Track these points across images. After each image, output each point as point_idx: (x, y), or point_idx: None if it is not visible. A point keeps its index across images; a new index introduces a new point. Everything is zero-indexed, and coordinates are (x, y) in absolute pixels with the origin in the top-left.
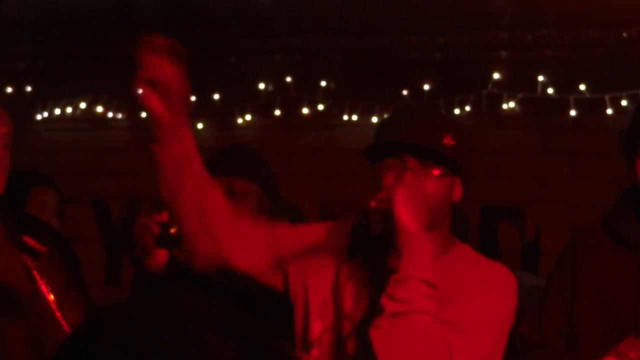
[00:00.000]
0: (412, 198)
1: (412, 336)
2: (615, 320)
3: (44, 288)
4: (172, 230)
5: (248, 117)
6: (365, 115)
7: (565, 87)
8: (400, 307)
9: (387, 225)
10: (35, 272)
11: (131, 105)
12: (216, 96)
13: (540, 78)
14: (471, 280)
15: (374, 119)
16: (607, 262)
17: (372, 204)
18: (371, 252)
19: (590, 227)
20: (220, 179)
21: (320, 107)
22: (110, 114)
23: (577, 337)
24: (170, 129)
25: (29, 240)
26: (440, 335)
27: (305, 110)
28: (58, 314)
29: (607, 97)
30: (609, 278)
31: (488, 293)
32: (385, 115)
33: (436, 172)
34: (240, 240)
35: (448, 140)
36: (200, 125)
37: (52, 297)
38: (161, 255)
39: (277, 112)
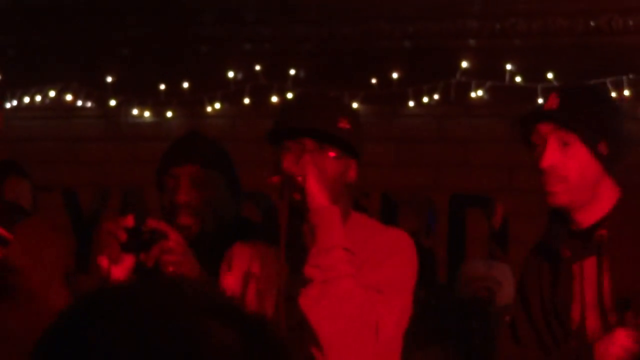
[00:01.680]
0: (319, 175)
1: (340, 299)
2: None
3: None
4: (143, 235)
5: (217, 106)
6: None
7: (534, 75)
8: (326, 275)
9: (291, 204)
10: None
11: (100, 94)
12: (186, 84)
13: (509, 67)
14: (379, 245)
15: (286, 105)
16: (533, 273)
17: (274, 179)
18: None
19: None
20: (184, 167)
21: (290, 95)
22: (79, 102)
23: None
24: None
25: None
26: (365, 297)
27: (274, 99)
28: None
29: None
30: (532, 288)
31: (398, 255)
32: (355, 104)
33: (332, 154)
34: None
35: (343, 124)
36: (169, 114)
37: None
38: (127, 262)
39: (247, 101)
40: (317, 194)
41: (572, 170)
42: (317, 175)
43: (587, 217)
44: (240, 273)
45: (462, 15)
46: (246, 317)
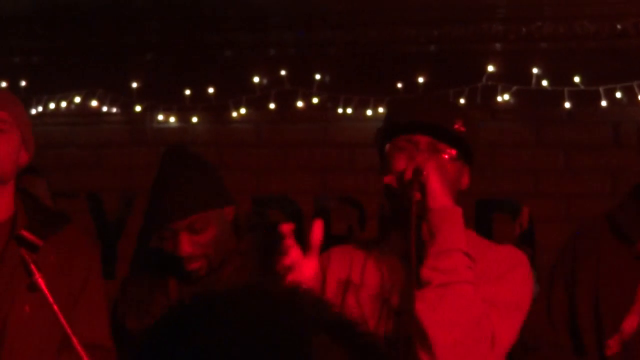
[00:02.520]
0: (441, 174)
1: (459, 306)
2: (611, 308)
3: (41, 281)
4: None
5: (243, 111)
6: (360, 108)
7: (560, 79)
8: (446, 278)
9: (403, 204)
10: (32, 266)
11: (125, 99)
12: (211, 89)
13: (535, 70)
14: (494, 260)
15: (369, 112)
16: (605, 256)
17: (387, 179)
18: (385, 234)
19: (594, 220)
20: (178, 223)
21: (315, 100)
22: (104, 108)
23: (579, 329)
24: None
25: (26, 233)
26: (483, 308)
27: (299, 104)
28: (55, 307)
29: (601, 89)
30: (607, 271)
31: (514, 273)
32: (380, 109)
33: (448, 154)
34: None
35: (459, 126)
36: (195, 119)
37: (54, 291)
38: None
39: (272, 106)
40: (440, 193)
41: None
42: (439, 172)
43: None
44: (336, 280)
45: (487, 19)
46: (355, 334)
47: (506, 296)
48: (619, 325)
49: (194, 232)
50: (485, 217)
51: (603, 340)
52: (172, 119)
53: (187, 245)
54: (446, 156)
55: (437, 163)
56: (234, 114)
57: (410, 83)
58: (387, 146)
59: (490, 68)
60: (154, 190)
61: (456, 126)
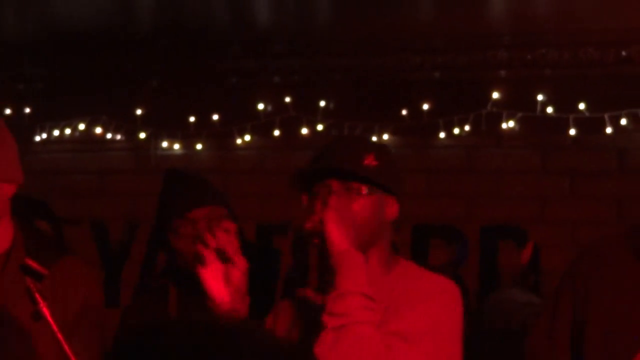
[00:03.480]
0: (340, 219)
1: (354, 347)
2: (625, 336)
3: (45, 310)
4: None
5: (247, 138)
6: (364, 135)
7: (565, 106)
8: (340, 321)
9: (321, 250)
10: (37, 295)
11: (129, 126)
12: (215, 116)
13: (540, 97)
14: (415, 292)
15: (374, 139)
16: (621, 276)
17: (307, 225)
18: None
19: (607, 239)
20: (198, 211)
21: (320, 127)
22: (109, 135)
23: (584, 348)
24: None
25: (31, 262)
26: (383, 345)
27: (304, 131)
28: (60, 336)
29: (606, 116)
30: (621, 292)
31: (430, 302)
32: (385, 136)
33: (361, 191)
34: None
35: (369, 161)
36: (199, 146)
37: (53, 320)
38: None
39: (277, 133)
40: (335, 238)
41: None
42: (336, 218)
43: None
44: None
45: (492, 46)
46: None
47: (413, 328)
48: (634, 353)
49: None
50: (490, 243)
51: None
52: (176, 146)
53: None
54: (361, 191)
55: (343, 205)
56: (239, 141)
57: (415, 110)
58: (304, 194)
59: (495, 95)
60: (162, 197)
61: (366, 162)
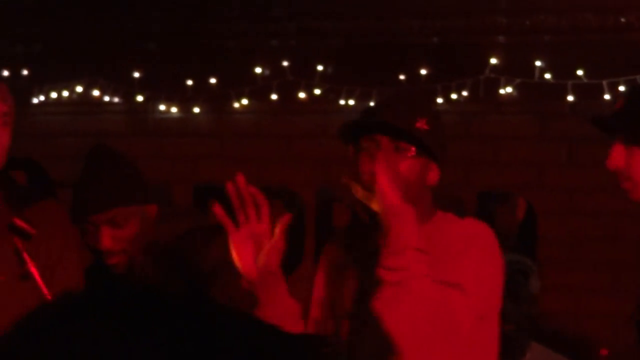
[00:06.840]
0: (391, 174)
1: (414, 300)
2: None
3: (33, 270)
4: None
5: (245, 102)
6: (362, 100)
7: (563, 72)
8: (398, 276)
9: (367, 209)
10: (25, 254)
11: (127, 89)
12: (213, 80)
13: (538, 63)
14: (457, 239)
15: (371, 104)
16: None
17: (344, 179)
18: (351, 241)
19: None
20: (99, 215)
21: (317, 91)
22: (106, 98)
23: None
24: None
25: (19, 222)
26: (440, 295)
27: (301, 95)
28: (49, 297)
29: (604, 83)
30: None
31: (471, 248)
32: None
33: (409, 152)
34: None
35: (421, 125)
36: (196, 110)
37: (41, 279)
38: None
39: (274, 97)
40: (388, 193)
41: None
42: (388, 173)
43: None
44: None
45: (490, 11)
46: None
47: (468, 276)
48: None
49: (115, 226)
50: (487, 208)
51: None
52: (173, 109)
53: (107, 239)
54: (408, 153)
55: (392, 162)
56: (236, 105)
57: (413, 75)
58: (351, 146)
59: (493, 60)
60: (76, 186)
61: (417, 124)
